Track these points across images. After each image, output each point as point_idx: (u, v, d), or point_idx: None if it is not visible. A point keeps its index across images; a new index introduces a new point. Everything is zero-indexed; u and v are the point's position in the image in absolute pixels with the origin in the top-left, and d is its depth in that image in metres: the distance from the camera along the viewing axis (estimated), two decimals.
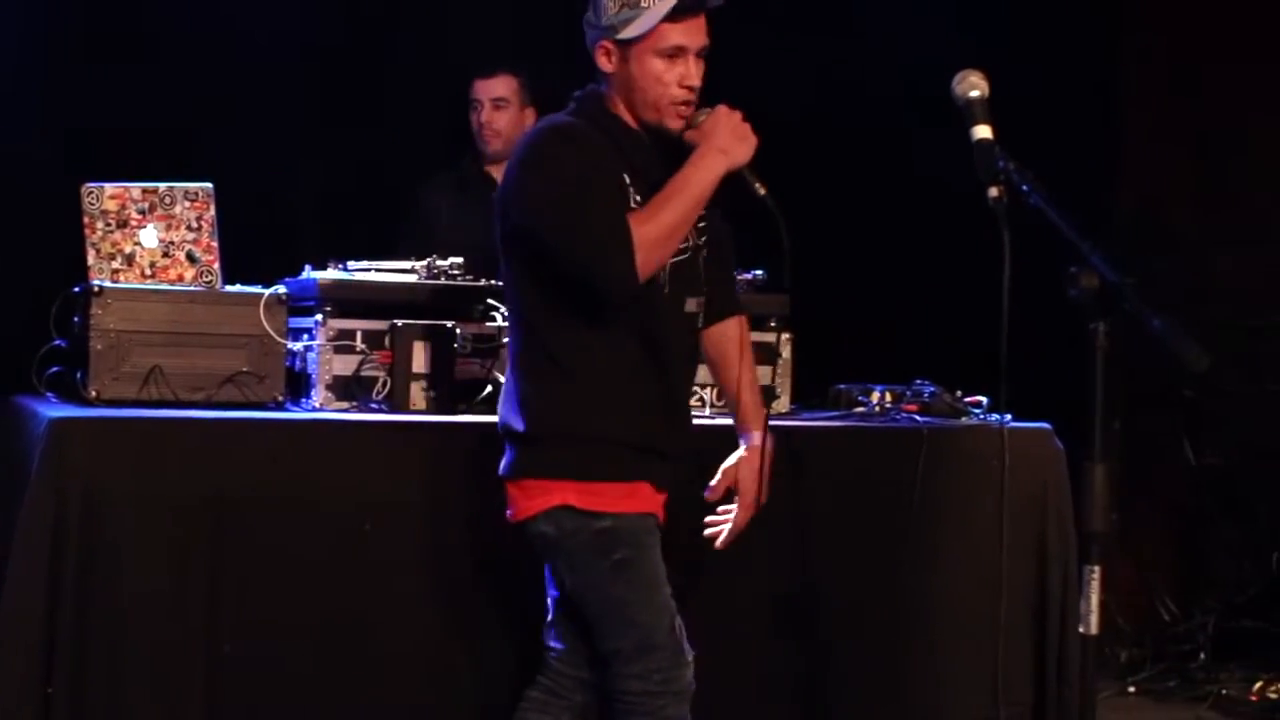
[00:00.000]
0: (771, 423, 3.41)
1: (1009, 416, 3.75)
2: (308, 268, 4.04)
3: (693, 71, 3.17)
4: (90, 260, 3.93)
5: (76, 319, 3.84)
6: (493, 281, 4.06)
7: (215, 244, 4.01)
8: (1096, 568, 2.65)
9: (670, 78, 3.16)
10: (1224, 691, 5.57)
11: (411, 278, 4.12)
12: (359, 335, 3.96)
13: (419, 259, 4.18)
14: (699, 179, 3.13)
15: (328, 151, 5.58)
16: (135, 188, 3.98)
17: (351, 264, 4.11)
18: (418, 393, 3.94)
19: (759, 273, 4.19)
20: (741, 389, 3.42)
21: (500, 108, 5.12)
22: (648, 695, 3.15)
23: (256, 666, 3.54)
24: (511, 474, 3.24)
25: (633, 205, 3.14)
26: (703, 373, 3.59)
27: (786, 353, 4.32)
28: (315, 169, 5.59)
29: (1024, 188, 2.72)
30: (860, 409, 4.35)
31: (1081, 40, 6.36)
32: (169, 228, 3.99)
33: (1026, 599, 4.21)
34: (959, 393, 4.35)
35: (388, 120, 5.69)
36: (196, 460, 3.50)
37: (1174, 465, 6.33)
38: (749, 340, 3.49)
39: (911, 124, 5.39)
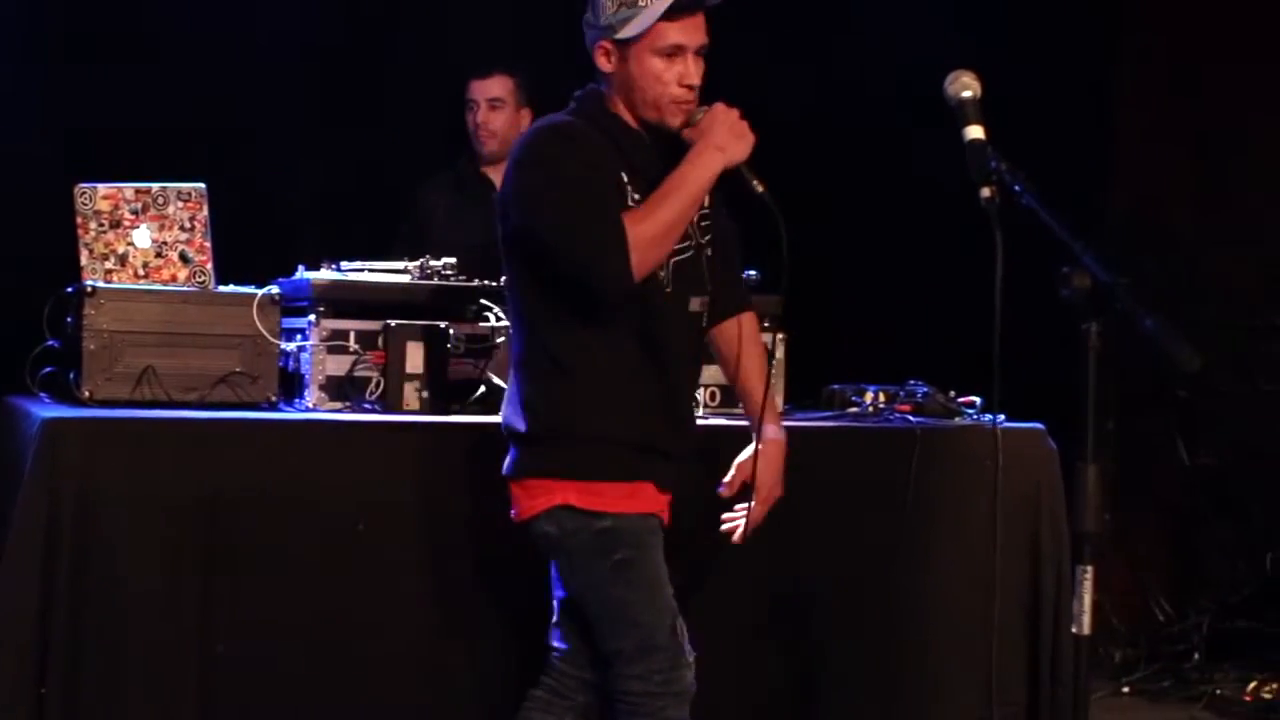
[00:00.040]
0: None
1: (1002, 417, 3.76)
2: (301, 268, 4.04)
3: (692, 70, 3.17)
4: (83, 260, 3.93)
5: (69, 319, 3.84)
6: (486, 282, 4.07)
7: (208, 244, 4.01)
8: (1089, 568, 2.66)
9: (670, 76, 3.16)
10: (1218, 692, 5.57)
11: (405, 278, 4.12)
12: (352, 335, 3.96)
13: (413, 259, 4.18)
14: (695, 177, 3.12)
15: (327, 151, 5.59)
16: (128, 188, 3.98)
17: (345, 264, 4.11)
18: (411, 393, 3.94)
19: (753, 273, 4.19)
20: (754, 383, 3.39)
21: (496, 108, 5.12)
22: (648, 696, 3.14)
23: (250, 666, 3.54)
24: (514, 474, 3.24)
25: (630, 204, 3.14)
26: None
27: (780, 353, 4.32)
28: (315, 169, 5.59)
29: (1016, 188, 2.73)
30: (854, 409, 4.35)
31: (1080, 40, 6.36)
32: (162, 228, 3.99)
33: (1020, 599, 4.21)
34: (952, 393, 4.35)
35: (387, 120, 5.69)
36: (189, 460, 3.50)
37: (1168, 465, 6.34)
38: (759, 336, 3.48)
39: (907, 124, 5.39)
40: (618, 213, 3.08)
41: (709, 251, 3.32)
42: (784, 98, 5.63)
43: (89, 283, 3.80)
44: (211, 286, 3.98)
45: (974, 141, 2.81)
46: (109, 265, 3.95)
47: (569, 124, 3.21)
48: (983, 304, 2.78)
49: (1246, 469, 6.26)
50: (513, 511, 3.25)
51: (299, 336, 3.97)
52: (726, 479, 3.39)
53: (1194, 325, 2.64)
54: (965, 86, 2.87)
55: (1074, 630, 2.70)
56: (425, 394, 3.94)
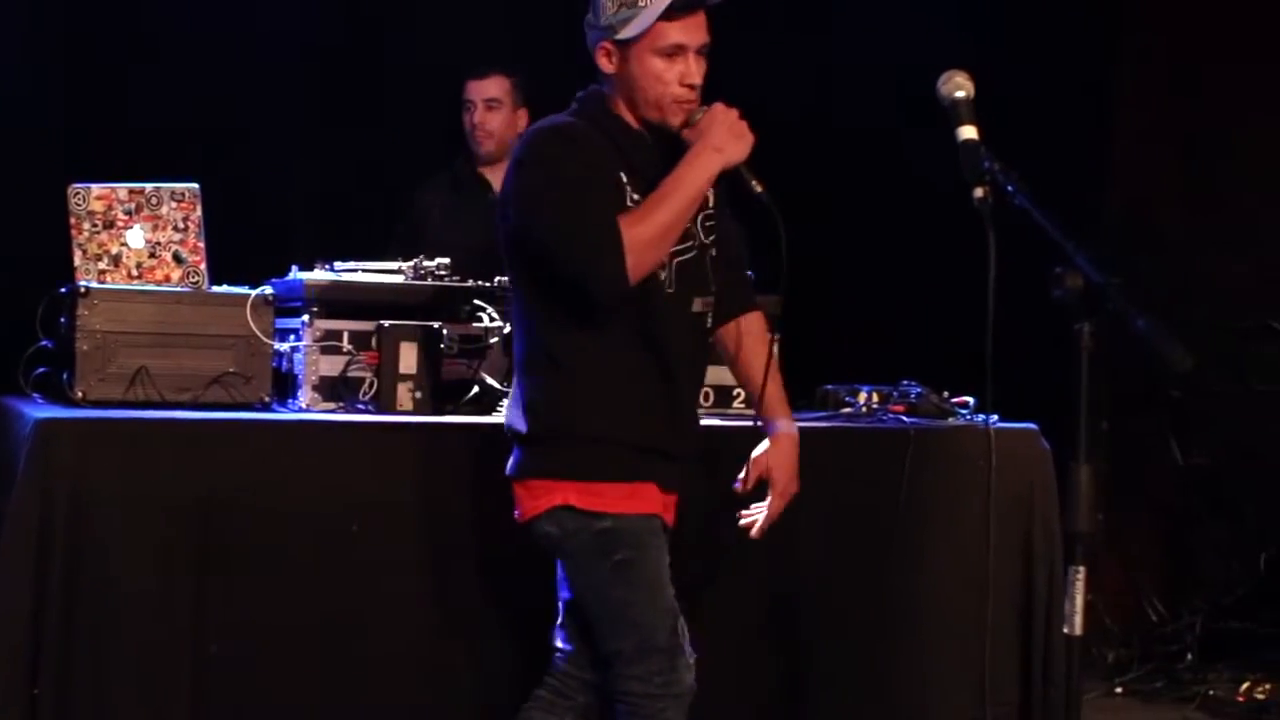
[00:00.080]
0: (757, 424, 3.41)
1: (995, 417, 3.76)
2: (294, 268, 4.04)
3: (693, 69, 3.16)
4: (77, 261, 3.93)
5: (63, 320, 3.83)
6: (480, 282, 4.07)
7: (202, 244, 4.01)
8: (1081, 568, 2.66)
9: (670, 76, 3.15)
10: (1211, 692, 5.57)
11: (398, 279, 4.12)
12: (345, 336, 3.95)
13: (408, 260, 4.18)
14: (693, 178, 3.12)
15: (324, 151, 5.59)
16: (122, 188, 3.98)
17: (338, 264, 4.11)
18: (404, 393, 3.94)
19: (749, 274, 4.19)
20: (764, 380, 3.37)
21: (493, 108, 5.12)
22: (648, 697, 3.14)
23: (243, 667, 3.53)
24: (516, 474, 3.24)
25: (629, 205, 3.13)
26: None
27: (774, 353, 4.31)
28: (312, 169, 5.59)
29: (1009, 188, 2.72)
30: (847, 409, 4.35)
31: (1080, 40, 6.36)
32: (155, 228, 3.99)
33: (1013, 599, 4.22)
34: (945, 393, 4.35)
35: (386, 120, 5.69)
36: (183, 461, 3.50)
37: (1161, 465, 6.34)
38: (765, 334, 3.47)
39: (903, 124, 5.39)
40: (614, 215, 3.07)
41: (713, 252, 3.32)
42: (783, 98, 5.63)
43: (82, 283, 3.80)
44: (205, 287, 3.98)
45: (967, 142, 2.81)
46: (102, 265, 3.94)
47: (570, 125, 3.21)
48: (976, 304, 2.78)
49: (1239, 469, 6.26)
50: (516, 512, 3.25)
51: (293, 337, 3.97)
52: (741, 475, 3.36)
53: (1187, 325, 2.64)
54: (958, 87, 2.87)
55: (1066, 630, 2.69)
56: (419, 394, 3.94)
